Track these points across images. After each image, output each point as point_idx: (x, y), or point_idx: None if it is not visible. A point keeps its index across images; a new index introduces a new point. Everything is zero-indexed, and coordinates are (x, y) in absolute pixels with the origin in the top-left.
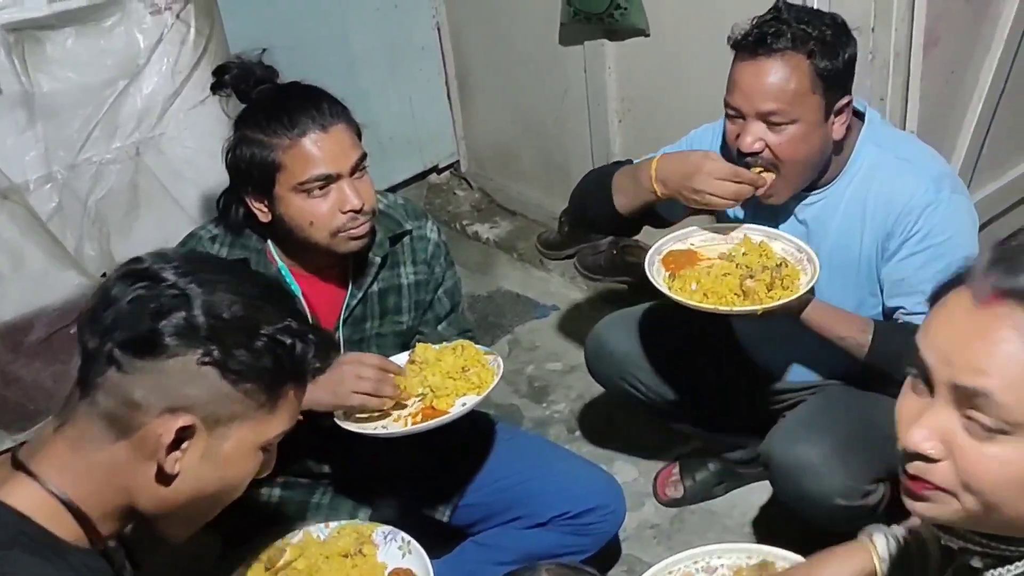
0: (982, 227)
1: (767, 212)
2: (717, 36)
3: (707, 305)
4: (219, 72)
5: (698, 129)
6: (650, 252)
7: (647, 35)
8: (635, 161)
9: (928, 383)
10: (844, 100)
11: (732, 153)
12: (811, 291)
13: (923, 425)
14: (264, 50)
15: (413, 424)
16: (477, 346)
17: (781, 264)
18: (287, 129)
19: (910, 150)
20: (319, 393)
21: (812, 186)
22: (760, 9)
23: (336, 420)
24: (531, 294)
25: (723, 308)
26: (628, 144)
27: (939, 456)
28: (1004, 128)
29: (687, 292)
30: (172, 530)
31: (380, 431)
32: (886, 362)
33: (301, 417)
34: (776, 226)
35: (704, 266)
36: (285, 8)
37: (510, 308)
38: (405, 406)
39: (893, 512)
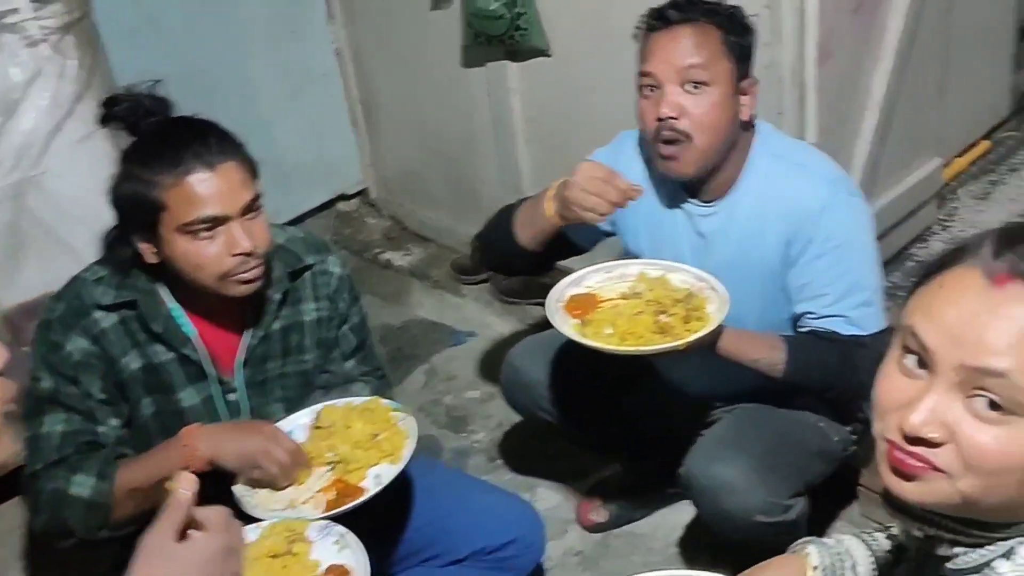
0: (884, 235)
1: (666, 228)
2: (617, 54)
3: (629, 348)
4: (108, 104)
5: (593, 154)
6: (549, 302)
7: (548, 55)
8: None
9: (926, 364)
10: (749, 81)
11: (648, 134)
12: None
13: (923, 408)
14: (157, 81)
15: (327, 503)
16: (387, 402)
17: (688, 296)
18: (171, 167)
19: (803, 156)
20: (227, 448)
21: (709, 198)
22: None
23: (239, 503)
24: (447, 321)
25: (646, 349)
26: (536, 165)
27: (941, 439)
28: (899, 137)
29: (603, 337)
30: None
31: (290, 516)
32: (803, 377)
33: (207, 467)
34: (676, 240)
35: (609, 307)
36: (175, 37)
37: (426, 337)
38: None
39: (813, 526)
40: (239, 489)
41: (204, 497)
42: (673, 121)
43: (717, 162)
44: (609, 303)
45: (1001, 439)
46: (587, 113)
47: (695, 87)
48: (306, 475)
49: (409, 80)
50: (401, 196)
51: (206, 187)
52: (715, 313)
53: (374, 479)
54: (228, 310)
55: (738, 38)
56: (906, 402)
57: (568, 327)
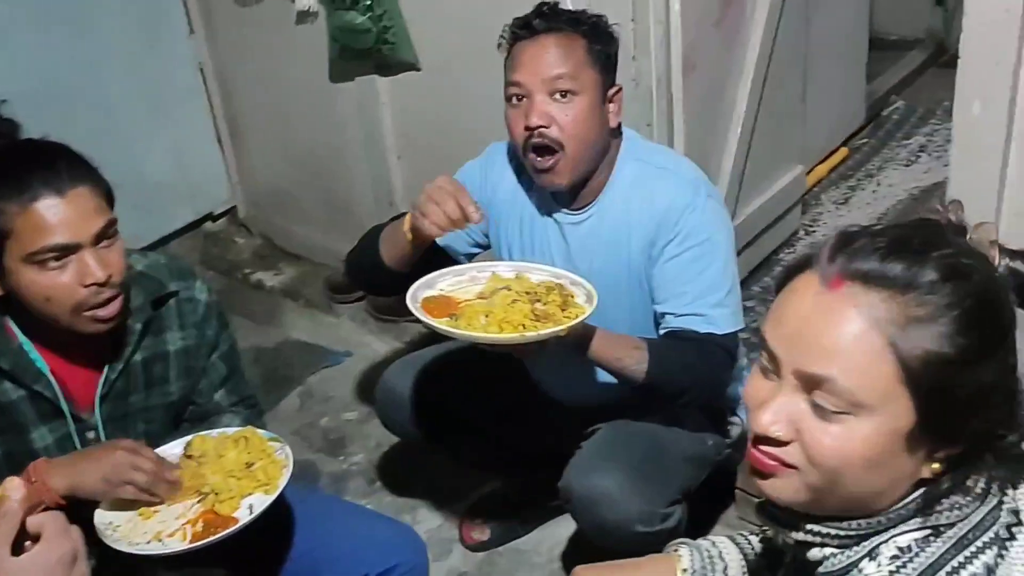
0: (752, 241)
1: (537, 237)
2: (486, 67)
3: (511, 335)
4: None
5: (463, 167)
6: (408, 304)
7: (418, 69)
8: None
9: (776, 368)
10: (616, 88)
11: (518, 143)
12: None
13: (771, 408)
14: (2, 101)
15: (195, 536)
16: (263, 433)
17: (559, 287)
18: (16, 193)
19: (667, 159)
20: (88, 477)
21: (579, 205)
22: None
23: (100, 534)
24: (322, 341)
25: (530, 335)
26: (409, 180)
27: (787, 438)
28: (763, 145)
29: (480, 327)
30: None
31: (158, 550)
32: (665, 376)
33: (63, 502)
34: (546, 248)
35: (475, 304)
36: (25, 54)
37: (300, 358)
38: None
39: (691, 530)
40: (100, 524)
41: None
42: (543, 130)
43: (589, 170)
44: (466, 304)
45: (839, 437)
46: (458, 126)
47: (563, 96)
48: (180, 497)
49: (276, 95)
50: (271, 214)
51: (55, 214)
52: (586, 304)
53: (248, 509)
54: (84, 343)
55: (603, 47)
56: (762, 402)
57: (439, 323)
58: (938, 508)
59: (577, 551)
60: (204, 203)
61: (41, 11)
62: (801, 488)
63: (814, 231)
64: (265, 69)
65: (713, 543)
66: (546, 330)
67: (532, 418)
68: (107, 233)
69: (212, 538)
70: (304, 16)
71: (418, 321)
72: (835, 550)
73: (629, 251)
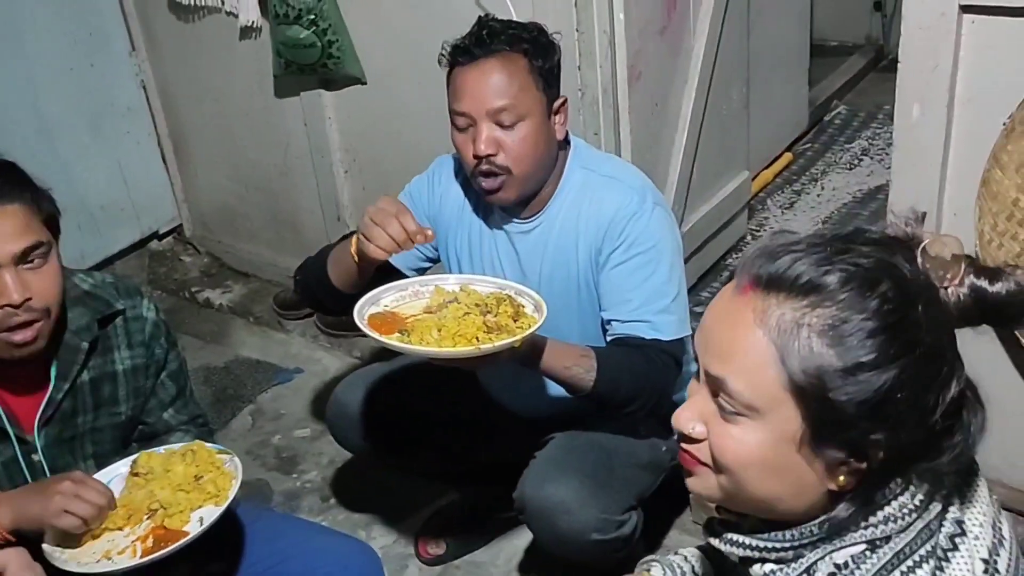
0: (700, 247)
1: (486, 248)
2: (430, 81)
3: (467, 348)
4: None
5: (411, 183)
6: (356, 322)
7: (364, 83)
8: None
9: (699, 368)
10: (560, 100)
11: (467, 166)
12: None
13: (688, 407)
14: None
15: (144, 552)
16: (210, 445)
17: (508, 298)
18: None
19: (614, 168)
20: (31, 510)
21: (527, 213)
22: None
23: (49, 557)
24: (272, 359)
25: (486, 347)
26: (356, 194)
27: (699, 436)
28: (708, 153)
29: (433, 342)
30: None
31: (108, 567)
32: (613, 384)
33: (11, 537)
34: (495, 258)
35: (425, 317)
36: None
37: (250, 376)
38: (130, 526)
39: (646, 536)
40: (48, 547)
41: None
42: (491, 157)
43: (538, 184)
44: (414, 319)
45: (736, 438)
46: (405, 140)
47: (508, 124)
48: (122, 519)
49: (220, 112)
50: (218, 232)
51: None
52: (535, 314)
53: (199, 522)
54: (26, 364)
55: (544, 62)
56: (688, 402)
57: (391, 339)
58: (872, 520)
59: (534, 561)
60: (149, 222)
61: None
62: (714, 486)
63: (761, 236)
64: (209, 86)
65: (685, 558)
66: (502, 341)
67: (484, 429)
68: (31, 255)
69: (162, 552)
70: (248, 31)
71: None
72: (774, 566)
73: (577, 258)
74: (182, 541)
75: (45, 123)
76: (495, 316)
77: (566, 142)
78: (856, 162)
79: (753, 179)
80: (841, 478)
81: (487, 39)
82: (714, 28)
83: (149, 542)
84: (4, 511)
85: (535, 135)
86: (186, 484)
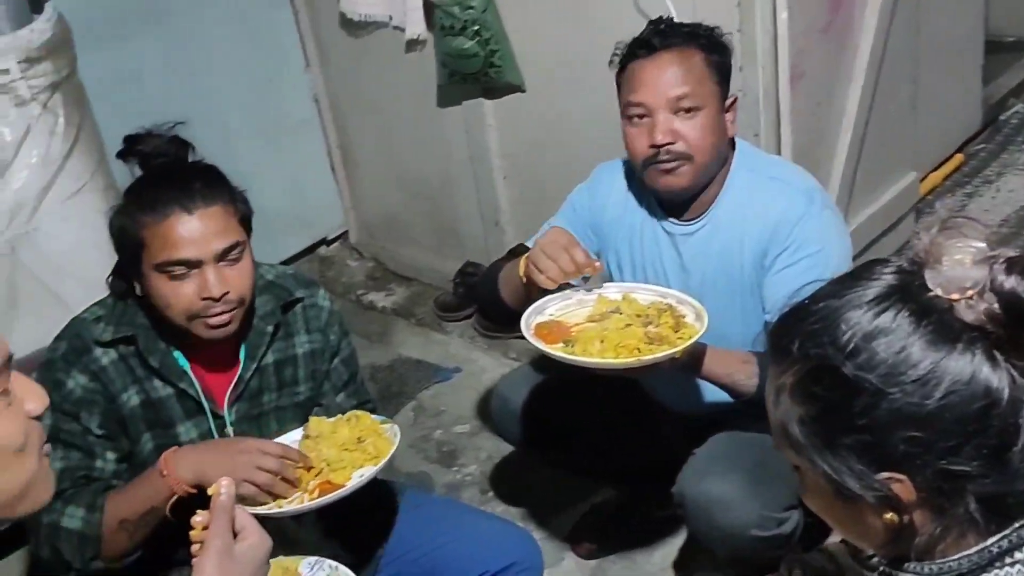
0: (863, 251)
1: (648, 250)
2: (589, 87)
3: (628, 360)
4: (128, 141)
5: (573, 193)
6: (523, 332)
7: (523, 91)
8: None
9: None
10: (732, 98)
11: (637, 161)
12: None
13: None
14: (178, 123)
15: (309, 500)
16: (373, 416)
17: (668, 307)
18: (152, 207)
19: (780, 170)
20: (212, 471)
21: (690, 215)
22: None
23: None
24: (432, 358)
25: (646, 359)
26: (515, 201)
27: None
28: (873, 154)
29: (596, 352)
30: None
31: (274, 510)
32: None
33: (194, 490)
34: (657, 260)
35: (588, 327)
36: (156, 90)
37: (412, 375)
38: (302, 483)
39: (809, 540)
40: None
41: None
42: (670, 146)
43: (708, 180)
44: (578, 328)
45: (808, 500)
46: (563, 146)
47: (687, 112)
48: (304, 478)
49: (385, 123)
50: (382, 238)
51: (183, 231)
52: (696, 323)
53: (359, 479)
54: (222, 345)
55: (719, 57)
56: None
57: (555, 350)
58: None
59: (688, 559)
60: (319, 229)
61: (170, 52)
62: None
63: None
64: (375, 98)
65: (830, 556)
66: (661, 353)
67: (644, 427)
68: (231, 253)
69: (325, 498)
70: (413, 44)
71: (525, 339)
72: None
73: (742, 261)
74: (343, 490)
75: (229, 135)
76: (656, 327)
77: (731, 144)
78: None
79: (921, 180)
80: (887, 516)
81: (666, 34)
82: (881, 24)
83: (316, 495)
84: (185, 469)
85: (712, 126)
86: (350, 444)
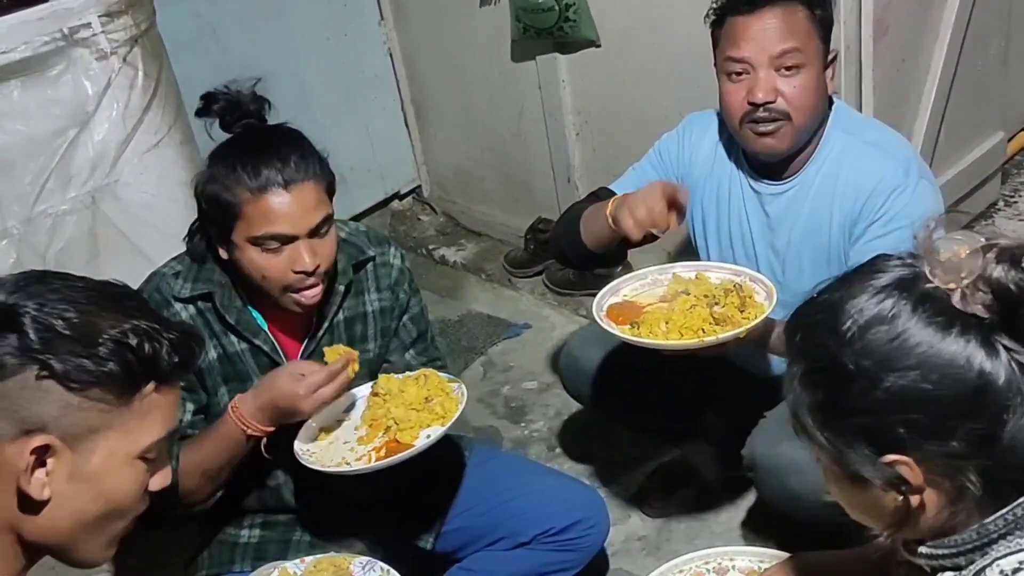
0: (945, 213)
1: (734, 209)
2: (666, 42)
3: (691, 341)
4: (206, 99)
5: (660, 140)
6: (594, 314)
7: (598, 46)
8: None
9: None
10: (832, 54)
11: (733, 118)
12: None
13: None
14: (257, 80)
15: (377, 459)
16: (441, 374)
17: (737, 286)
18: (250, 180)
19: (878, 135)
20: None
21: (781, 177)
22: (703, 11)
23: (298, 456)
24: (502, 314)
25: (711, 339)
26: (587, 157)
27: None
28: (959, 112)
29: (661, 334)
30: (80, 555)
31: (344, 469)
32: None
33: (270, 429)
34: (743, 219)
35: (657, 308)
36: (234, 45)
37: (482, 330)
38: (369, 441)
39: None
40: (299, 449)
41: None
42: (770, 104)
43: (805, 140)
44: (651, 307)
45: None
46: (637, 103)
47: (788, 70)
48: (369, 434)
49: (459, 78)
50: (454, 193)
51: (279, 206)
52: (765, 301)
53: (425, 439)
54: None
55: (823, 12)
56: None
57: (622, 332)
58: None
59: (755, 522)
60: (392, 183)
61: (246, 6)
62: None
63: (1015, 202)
64: (449, 53)
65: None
66: (725, 334)
67: (714, 388)
68: (322, 228)
69: (392, 459)
70: None
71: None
72: (952, 574)
73: (830, 226)
74: (409, 451)
75: (305, 89)
76: (722, 307)
77: (831, 102)
78: None
79: (1009, 140)
80: (898, 499)
81: None
82: None
83: (383, 453)
84: (250, 410)
85: (814, 85)
86: (417, 404)
